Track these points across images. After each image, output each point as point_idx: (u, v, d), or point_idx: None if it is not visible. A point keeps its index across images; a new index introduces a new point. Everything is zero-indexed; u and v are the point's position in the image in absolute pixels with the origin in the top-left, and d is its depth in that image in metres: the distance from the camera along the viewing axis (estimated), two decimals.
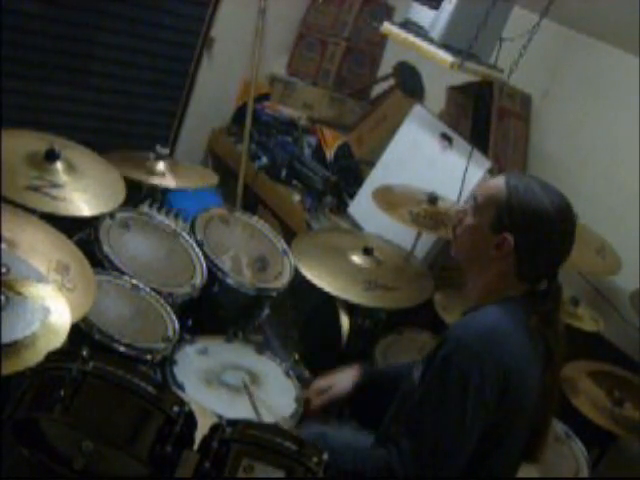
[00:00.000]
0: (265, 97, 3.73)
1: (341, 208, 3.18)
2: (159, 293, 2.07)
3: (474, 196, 1.62)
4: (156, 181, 2.41)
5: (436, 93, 3.27)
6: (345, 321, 2.45)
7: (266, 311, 2.38)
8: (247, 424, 1.46)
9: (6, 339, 1.33)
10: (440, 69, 2.57)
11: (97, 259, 2.04)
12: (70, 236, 1.95)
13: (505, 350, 1.47)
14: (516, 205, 1.52)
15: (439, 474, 1.44)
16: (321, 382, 1.97)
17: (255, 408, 1.88)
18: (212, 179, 2.56)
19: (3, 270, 1.46)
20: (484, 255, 1.56)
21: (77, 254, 1.85)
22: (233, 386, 1.95)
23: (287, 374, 2.10)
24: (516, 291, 1.56)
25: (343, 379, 1.93)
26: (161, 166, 2.48)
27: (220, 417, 1.66)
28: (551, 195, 1.54)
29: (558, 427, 2.19)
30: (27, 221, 1.82)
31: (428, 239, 2.70)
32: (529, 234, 1.52)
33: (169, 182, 2.40)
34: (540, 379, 1.55)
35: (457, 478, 1.47)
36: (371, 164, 3.18)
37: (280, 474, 1.36)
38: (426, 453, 1.43)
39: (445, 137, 2.89)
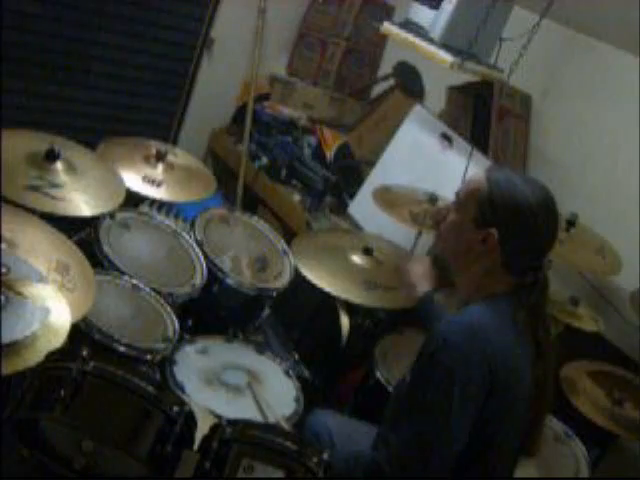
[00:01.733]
0: (265, 97, 3.73)
1: (341, 208, 3.19)
2: (159, 293, 2.07)
3: (456, 193, 1.62)
4: (151, 192, 2.33)
5: (436, 93, 3.27)
6: (345, 321, 2.45)
7: (266, 311, 2.38)
8: (247, 424, 1.46)
9: (6, 339, 1.33)
10: (440, 69, 2.57)
11: (97, 259, 2.04)
12: (70, 236, 1.95)
13: (490, 346, 1.47)
14: (498, 199, 1.52)
15: (426, 471, 1.44)
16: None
17: (261, 409, 1.88)
18: (210, 187, 2.51)
19: (3, 270, 1.46)
20: (469, 251, 1.56)
21: (77, 254, 1.85)
22: (233, 386, 1.95)
23: (287, 374, 2.10)
24: (503, 286, 1.56)
25: None
26: (159, 172, 2.38)
27: (220, 417, 1.67)
28: (532, 186, 1.54)
29: (558, 427, 2.19)
30: (27, 221, 1.82)
31: (428, 239, 2.69)
32: (513, 227, 1.52)
33: (162, 194, 2.35)
34: (531, 373, 1.55)
35: (452, 476, 1.48)
36: (371, 164, 3.18)
37: (280, 474, 1.36)
38: (412, 449, 1.44)
39: (445, 137, 2.89)
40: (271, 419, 1.85)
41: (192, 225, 2.39)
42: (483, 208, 1.53)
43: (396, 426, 1.48)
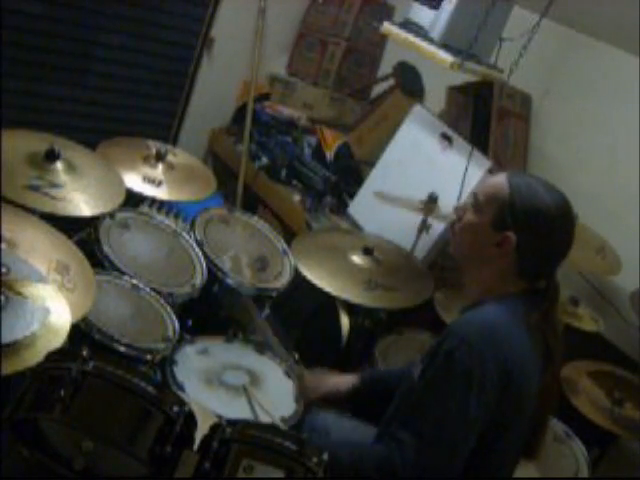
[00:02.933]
0: (265, 97, 3.73)
1: (341, 208, 3.19)
2: (159, 293, 2.07)
3: (474, 194, 1.61)
4: (151, 192, 2.34)
5: (436, 93, 3.27)
6: (345, 321, 2.45)
7: (266, 311, 2.38)
8: (247, 424, 1.46)
9: (6, 339, 1.33)
10: (440, 69, 2.57)
11: (97, 259, 2.04)
12: (70, 236, 1.95)
13: (506, 347, 1.47)
14: (519, 204, 1.52)
15: (440, 468, 1.43)
16: (319, 377, 1.98)
17: (254, 411, 1.87)
18: (210, 187, 2.52)
19: (3, 270, 1.46)
20: (484, 253, 1.56)
21: (77, 254, 1.85)
22: (233, 386, 1.95)
23: (287, 374, 2.10)
24: (515, 289, 1.56)
25: (342, 379, 1.94)
26: (159, 172, 2.40)
27: (220, 417, 1.66)
28: (552, 194, 1.54)
29: (558, 427, 2.19)
30: (27, 221, 1.82)
31: (428, 239, 2.70)
32: (531, 233, 1.52)
33: (163, 194, 2.35)
34: (539, 377, 1.55)
35: (457, 475, 1.47)
36: (371, 164, 3.18)
37: (280, 474, 1.36)
38: (428, 447, 1.43)
39: (445, 137, 2.89)
40: (266, 420, 1.85)
41: (192, 225, 2.39)
42: (503, 212, 1.53)
43: (410, 425, 1.47)
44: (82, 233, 2.13)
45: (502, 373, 1.45)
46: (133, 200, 2.38)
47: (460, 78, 3.00)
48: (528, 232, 1.52)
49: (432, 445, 1.43)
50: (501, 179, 1.57)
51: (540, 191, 1.53)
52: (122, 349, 1.82)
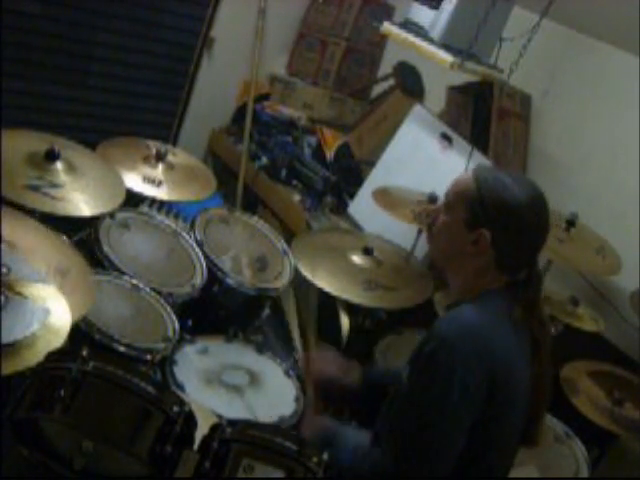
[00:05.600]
0: (265, 97, 3.73)
1: (341, 208, 3.19)
2: (159, 293, 2.07)
3: (446, 194, 1.61)
4: (151, 192, 2.34)
5: (436, 93, 3.27)
6: (345, 321, 2.45)
7: (266, 311, 2.38)
8: (247, 424, 1.46)
9: (6, 339, 1.33)
10: (440, 69, 2.57)
11: (97, 259, 2.04)
12: (70, 236, 1.95)
13: (489, 344, 1.46)
14: (488, 199, 1.50)
15: (428, 470, 1.43)
16: (327, 359, 1.95)
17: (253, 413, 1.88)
18: (210, 187, 2.52)
19: (3, 270, 1.46)
20: (462, 252, 1.55)
21: (76, 256, 1.84)
22: (233, 386, 1.95)
23: (287, 374, 2.11)
24: (497, 283, 1.55)
25: (347, 371, 1.92)
26: (159, 172, 2.40)
27: (220, 417, 1.67)
28: (521, 184, 1.53)
29: (558, 427, 2.19)
30: (27, 224, 1.82)
31: None
32: (505, 227, 1.50)
33: (163, 194, 2.35)
34: (529, 369, 1.55)
35: (454, 473, 1.47)
36: (371, 164, 3.18)
37: (280, 474, 1.36)
38: (412, 449, 1.43)
39: (445, 137, 2.89)
40: (266, 420, 1.85)
41: (192, 225, 2.39)
42: (473, 209, 1.51)
43: (394, 425, 1.48)
44: (82, 233, 2.14)
45: (486, 371, 1.45)
46: (133, 200, 2.38)
47: (460, 78, 2.99)
48: (501, 226, 1.50)
49: (416, 447, 1.43)
50: (467, 176, 1.56)
51: (507, 183, 1.51)
52: (122, 349, 1.82)
